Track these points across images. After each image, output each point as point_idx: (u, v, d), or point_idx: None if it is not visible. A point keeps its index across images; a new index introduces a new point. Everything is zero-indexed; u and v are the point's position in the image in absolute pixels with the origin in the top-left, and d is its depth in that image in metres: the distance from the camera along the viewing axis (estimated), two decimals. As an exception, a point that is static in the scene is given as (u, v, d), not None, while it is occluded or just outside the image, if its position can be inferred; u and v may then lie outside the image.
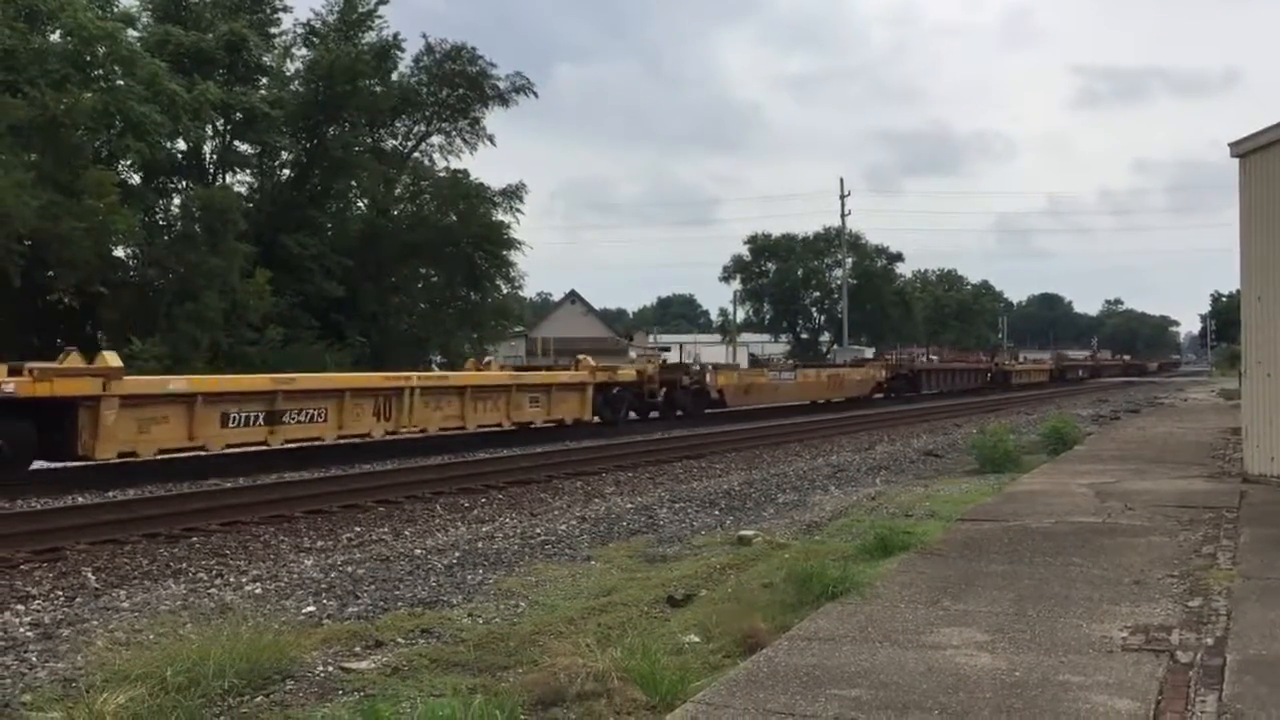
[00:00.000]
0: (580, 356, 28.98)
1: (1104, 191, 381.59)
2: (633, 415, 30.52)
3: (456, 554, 10.98)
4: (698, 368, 34.98)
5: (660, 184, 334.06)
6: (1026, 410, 40.25)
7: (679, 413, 32.09)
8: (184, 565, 10.71)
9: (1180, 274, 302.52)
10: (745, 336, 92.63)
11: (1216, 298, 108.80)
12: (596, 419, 27.57)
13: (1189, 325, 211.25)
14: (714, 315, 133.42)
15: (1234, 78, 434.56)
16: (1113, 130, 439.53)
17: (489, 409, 23.88)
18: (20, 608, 8.81)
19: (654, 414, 31.36)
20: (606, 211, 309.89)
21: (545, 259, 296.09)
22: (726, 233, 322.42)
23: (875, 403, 45.54)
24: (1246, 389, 13.79)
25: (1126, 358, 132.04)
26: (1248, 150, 13.27)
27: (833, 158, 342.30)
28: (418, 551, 11.19)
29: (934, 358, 63.86)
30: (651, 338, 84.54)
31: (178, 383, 18.03)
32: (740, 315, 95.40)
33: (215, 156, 37.33)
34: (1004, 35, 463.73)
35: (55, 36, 30.22)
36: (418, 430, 21.76)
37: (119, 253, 32.04)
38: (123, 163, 31.47)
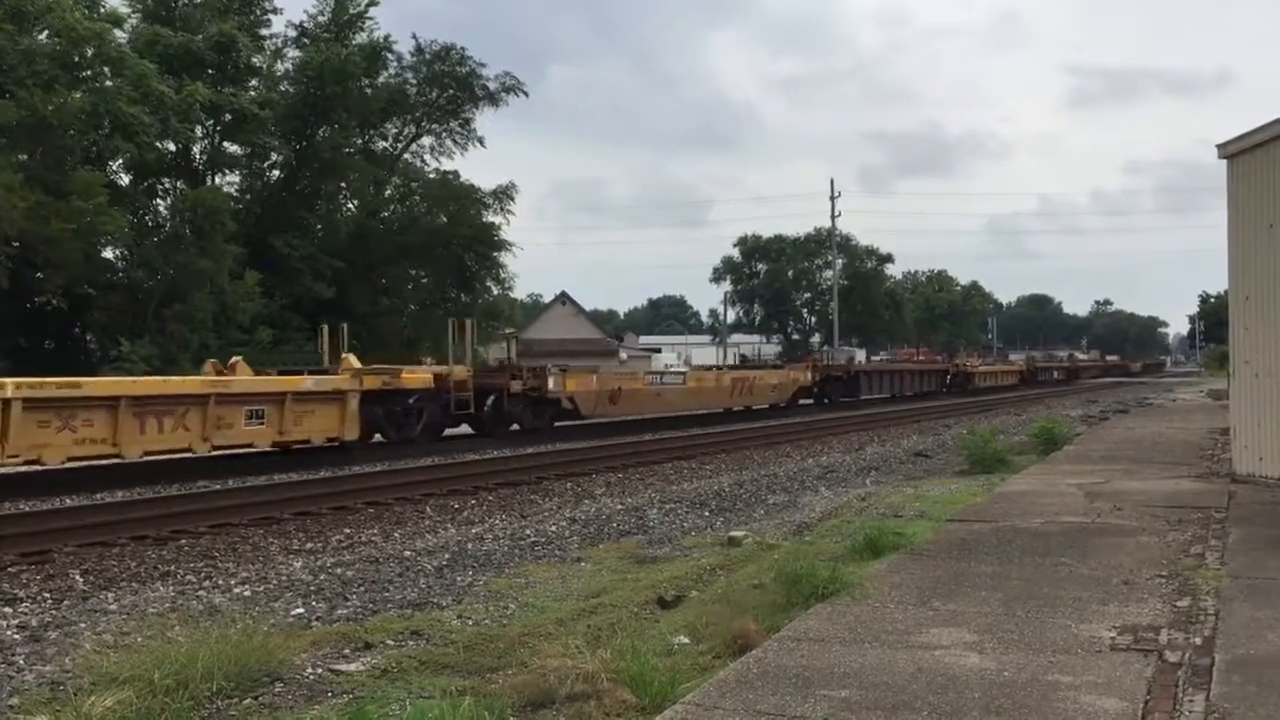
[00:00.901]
0: (345, 355, 23.36)
1: (1095, 192, 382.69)
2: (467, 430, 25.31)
3: (446, 556, 10.96)
4: (536, 369, 27.32)
5: (653, 185, 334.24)
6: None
7: (515, 427, 26.11)
8: (172, 567, 10.68)
9: (1169, 275, 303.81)
10: (736, 338, 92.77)
11: (1205, 298, 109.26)
12: (377, 438, 22.35)
13: (1178, 326, 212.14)
14: (705, 317, 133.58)
15: (1226, 78, 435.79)
16: (1105, 131, 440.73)
17: (170, 429, 17.50)
18: (8, 610, 8.77)
19: (489, 429, 25.42)
20: (598, 213, 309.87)
21: (536, 260, 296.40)
22: (719, 234, 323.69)
23: (800, 410, 38.77)
24: (1235, 389, 13.84)
25: (1113, 358, 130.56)
26: (1235, 151, 13.30)
27: (826, 158, 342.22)
28: (407, 553, 11.17)
29: (881, 356, 60.96)
30: (639, 339, 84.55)
31: None
32: (731, 317, 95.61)
33: (204, 157, 37.27)
34: (997, 35, 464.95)
35: (43, 37, 30.12)
36: (20, 461, 15.66)
37: (107, 254, 32.01)
38: (112, 163, 31.39)
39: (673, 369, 40.58)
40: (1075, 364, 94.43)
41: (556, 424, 27.38)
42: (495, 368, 28.31)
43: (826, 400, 43.15)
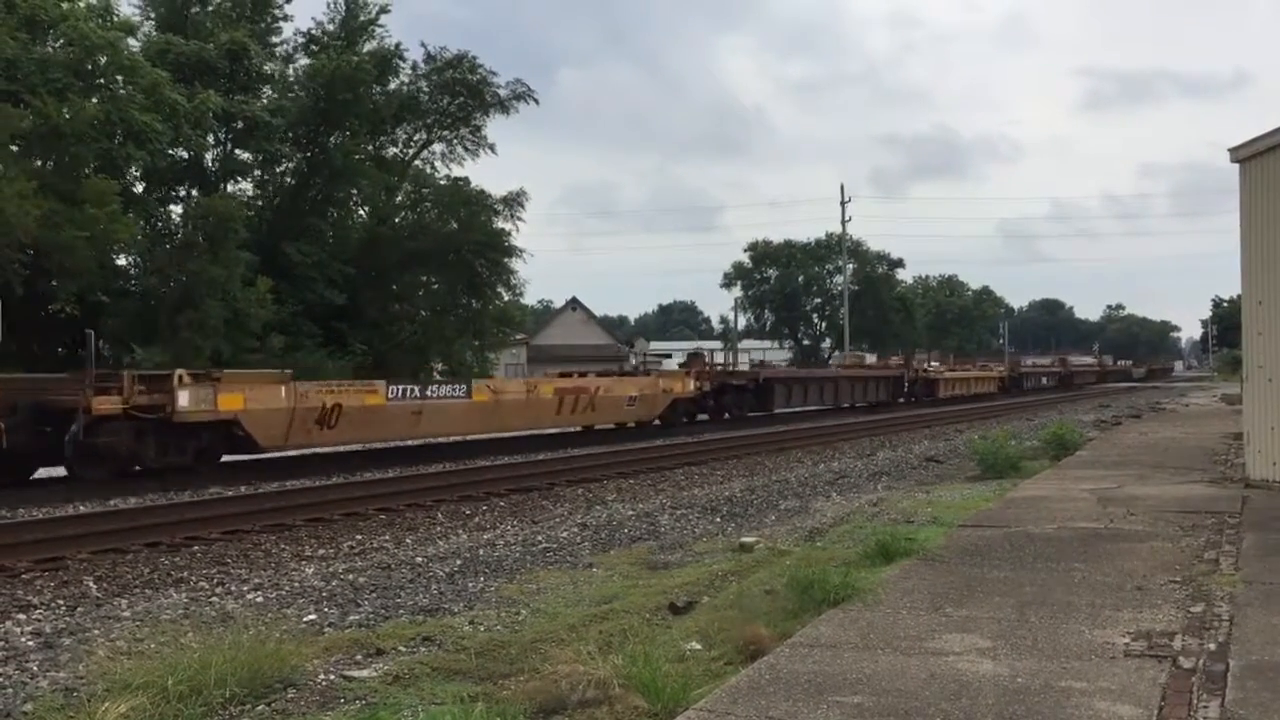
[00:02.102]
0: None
1: (1108, 196, 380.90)
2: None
3: (458, 561, 10.98)
4: (156, 377, 17.85)
5: (664, 190, 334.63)
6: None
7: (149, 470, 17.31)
8: (185, 574, 10.71)
9: (1182, 279, 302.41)
10: (747, 343, 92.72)
11: (1218, 303, 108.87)
12: None
13: (1190, 330, 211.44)
14: (715, 322, 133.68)
15: (1243, 79, 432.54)
16: (1119, 133, 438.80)
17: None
18: (21, 617, 8.81)
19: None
20: (609, 218, 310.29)
21: (547, 266, 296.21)
22: (731, 239, 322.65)
23: (674, 430, 30.18)
24: (1248, 394, 13.78)
25: (1126, 362, 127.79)
26: (1248, 155, 13.26)
27: (838, 162, 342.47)
28: (419, 559, 11.18)
29: (870, 361, 53.88)
30: (649, 345, 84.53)
31: None
32: (741, 322, 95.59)
33: (217, 165, 37.39)
34: (1009, 37, 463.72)
35: (56, 46, 30.28)
36: None
37: (121, 261, 32.11)
38: (126, 172, 31.52)
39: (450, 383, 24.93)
40: (1068, 369, 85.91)
41: (227, 458, 19.17)
42: (66, 378, 18.34)
43: (728, 416, 35.01)
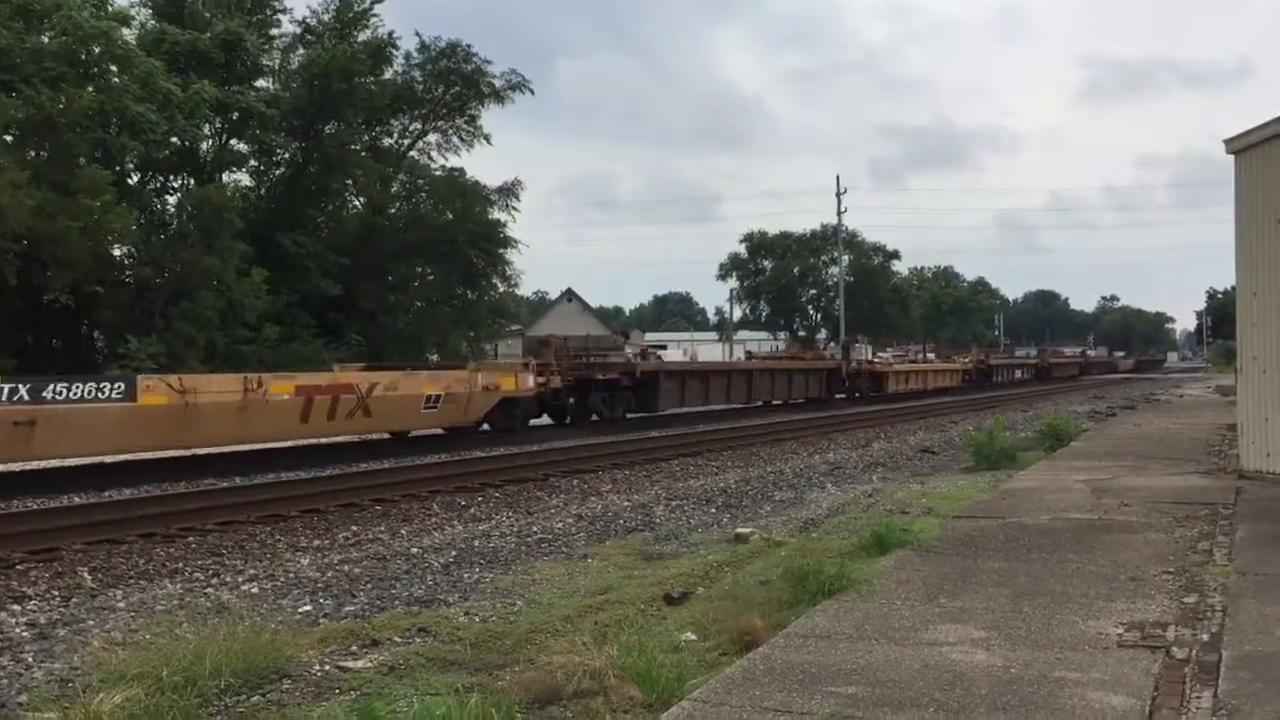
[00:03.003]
0: None
1: (1106, 187, 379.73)
2: None
3: (453, 553, 10.98)
4: None
5: (661, 181, 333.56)
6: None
7: None
8: (180, 565, 10.71)
9: (1178, 270, 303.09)
10: (742, 334, 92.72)
11: (1213, 294, 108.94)
12: None
13: (1185, 322, 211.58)
14: (711, 314, 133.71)
15: (1246, 69, 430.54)
16: (1118, 124, 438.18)
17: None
18: (16, 608, 8.80)
19: None
20: (605, 209, 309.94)
21: (543, 257, 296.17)
22: (728, 230, 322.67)
23: (466, 441, 23.52)
24: (1242, 385, 13.81)
25: (1120, 354, 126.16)
26: (1243, 146, 13.28)
27: (837, 153, 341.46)
28: (414, 550, 11.19)
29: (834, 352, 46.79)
30: (645, 336, 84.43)
31: None
32: (737, 313, 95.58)
33: (211, 155, 37.29)
34: (1007, 27, 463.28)
35: (50, 35, 30.16)
36: None
37: (115, 252, 32.00)
38: (121, 162, 31.41)
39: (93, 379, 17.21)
40: (1045, 361, 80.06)
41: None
42: None
43: (597, 417, 28.94)
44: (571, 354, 29.64)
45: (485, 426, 24.72)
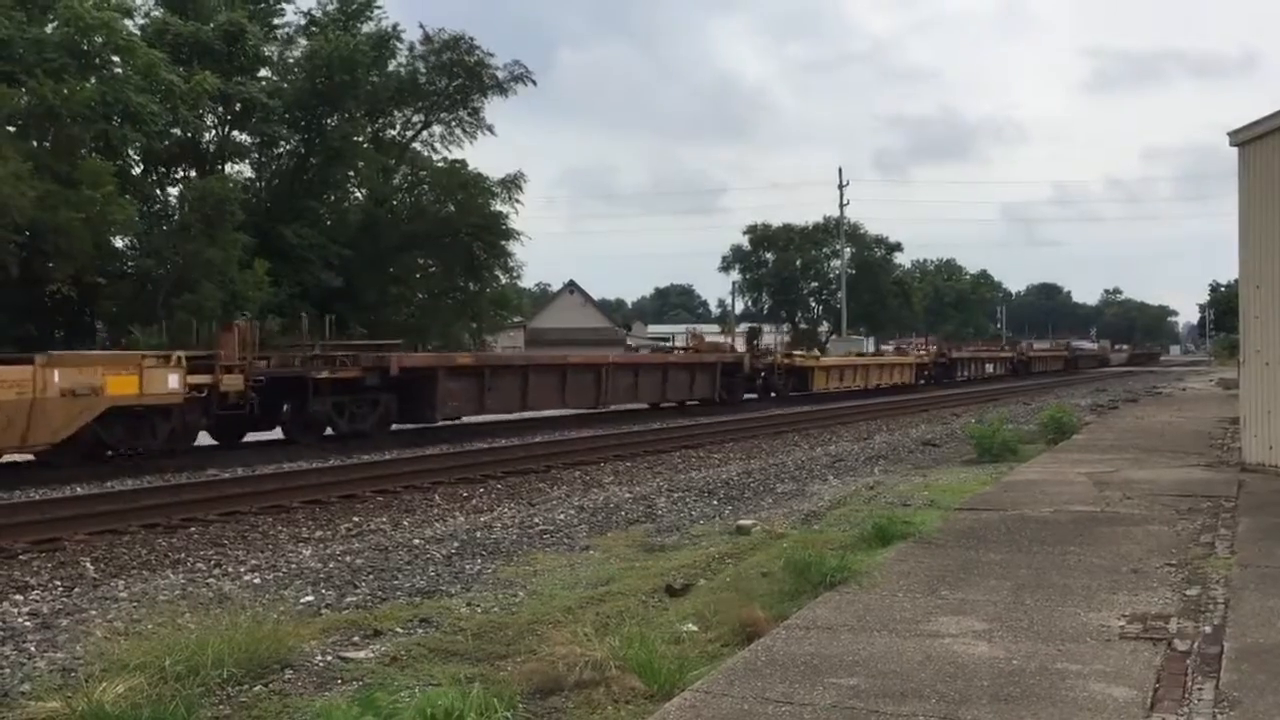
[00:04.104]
0: None
1: (1111, 179, 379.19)
2: None
3: (455, 544, 10.99)
4: None
5: (664, 173, 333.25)
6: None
7: None
8: (182, 555, 10.72)
9: (1181, 263, 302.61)
10: (744, 327, 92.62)
11: (1215, 287, 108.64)
12: None
13: (1188, 315, 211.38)
14: (713, 306, 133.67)
15: (1253, 61, 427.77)
16: (1125, 116, 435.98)
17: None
18: (19, 598, 8.81)
19: None
20: (608, 200, 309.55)
21: (545, 248, 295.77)
22: (731, 222, 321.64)
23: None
24: (1245, 378, 13.79)
25: (1115, 346, 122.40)
26: (1247, 139, 13.24)
27: (843, 144, 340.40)
28: (416, 541, 11.20)
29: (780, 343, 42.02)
30: (647, 328, 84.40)
31: None
32: (739, 306, 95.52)
33: (214, 147, 37.28)
34: (1015, 18, 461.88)
35: (52, 26, 30.14)
36: None
37: (117, 243, 32.02)
38: (124, 153, 31.42)
39: None
40: (1022, 354, 70.64)
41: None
42: None
43: (334, 432, 20.80)
44: (245, 343, 19.77)
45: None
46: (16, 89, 26.95)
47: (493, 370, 24.66)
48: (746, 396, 35.80)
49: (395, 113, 43.03)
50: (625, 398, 29.15)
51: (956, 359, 56.69)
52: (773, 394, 37.17)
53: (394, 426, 22.35)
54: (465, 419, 24.25)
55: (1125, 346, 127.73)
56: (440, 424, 23.23)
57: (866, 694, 5.14)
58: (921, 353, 53.53)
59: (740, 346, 39.51)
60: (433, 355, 27.01)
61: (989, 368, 62.22)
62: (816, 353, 44.73)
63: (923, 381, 50.11)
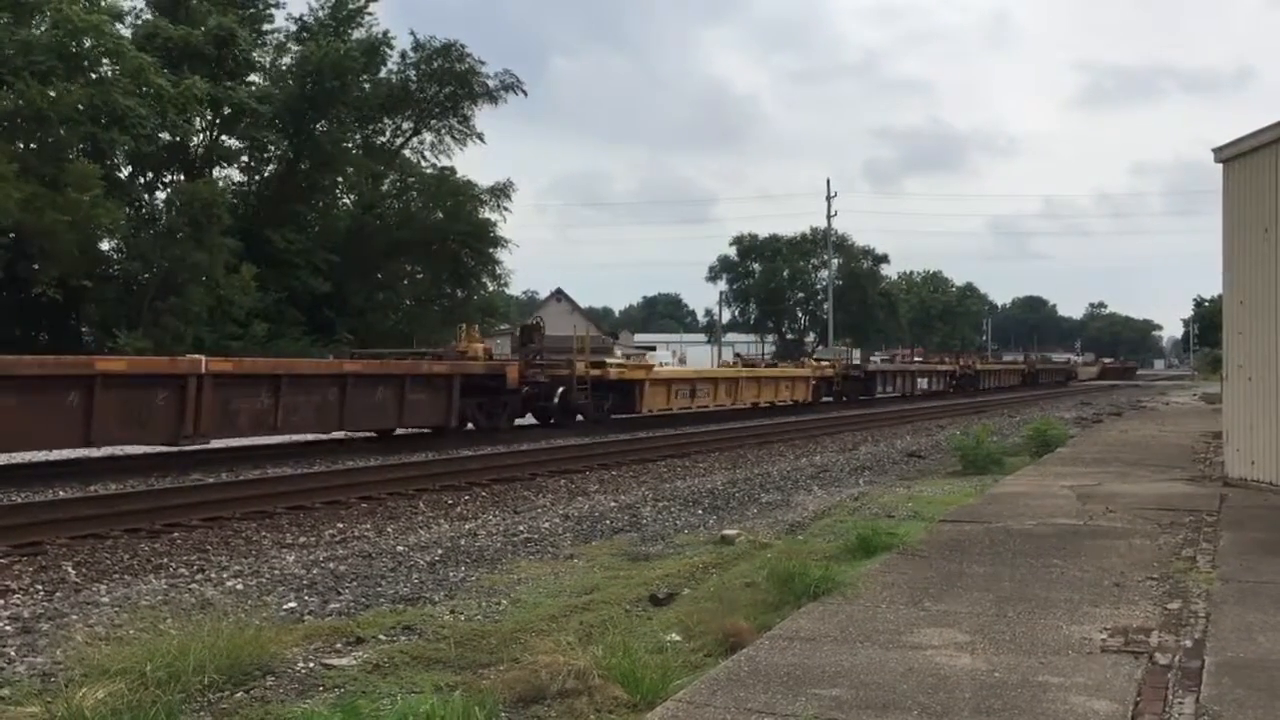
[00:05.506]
0: None
1: (1101, 194, 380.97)
2: None
3: (439, 551, 10.96)
4: None
5: (654, 182, 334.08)
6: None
7: None
8: (165, 560, 10.66)
9: (1166, 278, 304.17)
10: (731, 337, 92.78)
11: (1200, 302, 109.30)
12: None
13: (1173, 329, 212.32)
14: (700, 315, 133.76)
15: (1246, 76, 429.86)
16: (1117, 130, 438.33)
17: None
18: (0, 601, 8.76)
19: None
20: (596, 209, 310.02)
21: (533, 256, 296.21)
22: (720, 232, 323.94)
23: None
24: (1228, 393, 13.87)
25: (1110, 360, 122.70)
26: (1232, 156, 13.33)
27: (833, 155, 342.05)
28: (400, 548, 11.16)
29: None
30: (634, 337, 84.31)
31: None
32: (726, 316, 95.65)
33: (202, 151, 37.23)
34: (1006, 31, 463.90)
35: (41, 30, 30.07)
36: None
37: (103, 246, 31.95)
38: (111, 157, 31.35)
39: None
40: (967, 369, 58.21)
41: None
42: None
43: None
44: None
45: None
46: (3, 91, 26.88)
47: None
48: (530, 422, 27.53)
49: (385, 119, 43.06)
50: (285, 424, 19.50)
51: (872, 372, 46.71)
52: (579, 417, 28.03)
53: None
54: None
55: (1093, 356, 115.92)
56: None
57: (849, 705, 5.14)
58: (823, 365, 43.83)
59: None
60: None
61: (921, 383, 50.80)
62: (651, 362, 35.11)
63: (828, 399, 41.63)
